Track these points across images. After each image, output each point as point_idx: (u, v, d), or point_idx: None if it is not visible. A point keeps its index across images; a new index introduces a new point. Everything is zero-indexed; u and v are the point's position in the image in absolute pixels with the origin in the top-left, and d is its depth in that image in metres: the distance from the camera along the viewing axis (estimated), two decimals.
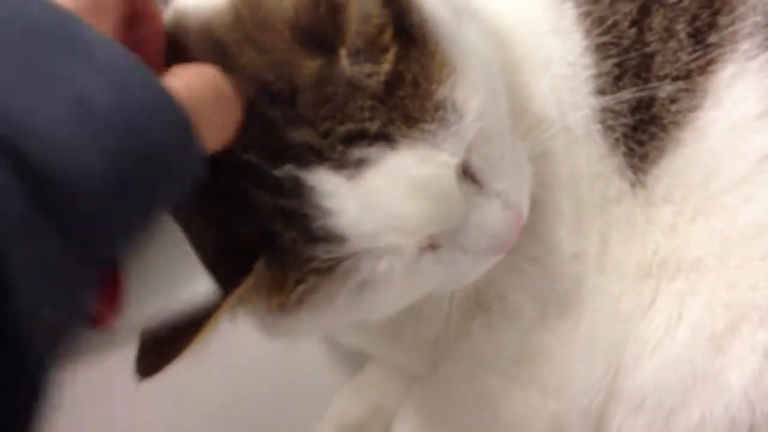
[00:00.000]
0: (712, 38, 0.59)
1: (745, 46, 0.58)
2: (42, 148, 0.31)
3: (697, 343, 0.60)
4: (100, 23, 0.38)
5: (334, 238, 0.47)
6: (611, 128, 0.60)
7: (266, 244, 0.48)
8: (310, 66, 0.46)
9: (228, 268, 0.45)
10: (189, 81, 0.38)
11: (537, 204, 0.57)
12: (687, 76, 0.59)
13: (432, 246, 0.50)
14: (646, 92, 0.59)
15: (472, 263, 0.54)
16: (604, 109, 0.60)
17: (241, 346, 0.66)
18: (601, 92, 0.60)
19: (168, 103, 0.36)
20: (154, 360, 0.44)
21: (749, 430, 0.59)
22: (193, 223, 0.46)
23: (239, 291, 0.46)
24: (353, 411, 0.77)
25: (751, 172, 0.58)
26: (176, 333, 0.44)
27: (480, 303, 0.65)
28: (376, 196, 0.47)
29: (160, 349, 0.44)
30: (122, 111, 0.34)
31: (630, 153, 0.60)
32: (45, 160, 0.31)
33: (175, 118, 0.37)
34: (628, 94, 0.59)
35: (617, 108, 0.60)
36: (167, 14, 0.53)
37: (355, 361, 0.80)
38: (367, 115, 0.47)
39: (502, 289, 0.64)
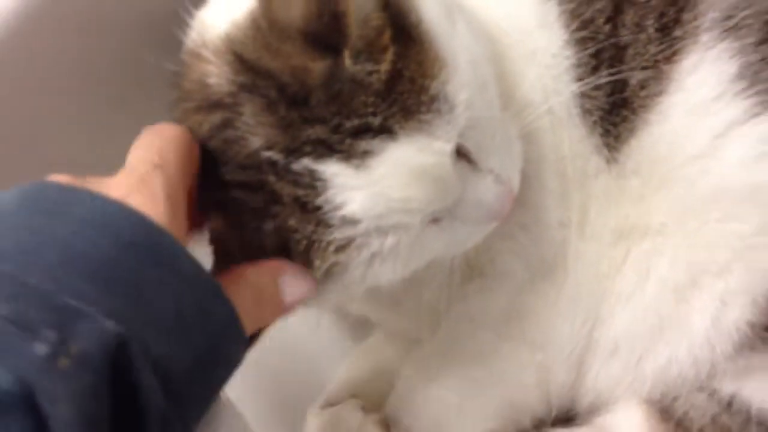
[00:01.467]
0: (677, 32, 0.63)
1: (704, 38, 0.62)
2: (160, 356, 0.40)
3: (663, 295, 0.64)
4: (178, 223, 0.47)
5: (347, 222, 0.51)
6: (589, 112, 0.64)
7: (289, 244, 0.52)
8: (319, 67, 0.50)
9: None
10: (242, 293, 0.48)
11: (526, 178, 0.61)
12: (654, 65, 0.63)
13: (434, 219, 0.54)
14: (619, 79, 0.63)
15: (471, 231, 0.58)
16: (583, 95, 0.64)
17: None
18: (580, 80, 0.64)
19: (231, 313, 0.46)
20: None
21: (710, 367, 0.63)
22: (231, 226, 0.53)
23: None
24: (361, 371, 0.81)
25: (707, 148, 0.62)
26: None
27: (475, 268, 0.69)
28: (382, 183, 0.51)
29: None
30: (203, 321, 0.45)
31: (605, 133, 0.65)
32: (164, 364, 0.41)
33: (234, 322, 0.46)
34: (602, 78, 0.63)
35: (594, 94, 0.64)
36: (192, 28, 0.59)
37: (362, 329, 0.84)
38: (370, 110, 0.50)
39: (494, 255, 0.68)
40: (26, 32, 0.63)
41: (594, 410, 0.70)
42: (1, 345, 0.35)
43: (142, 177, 0.47)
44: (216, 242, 0.53)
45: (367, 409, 0.76)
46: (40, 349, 0.36)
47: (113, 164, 0.54)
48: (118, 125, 0.69)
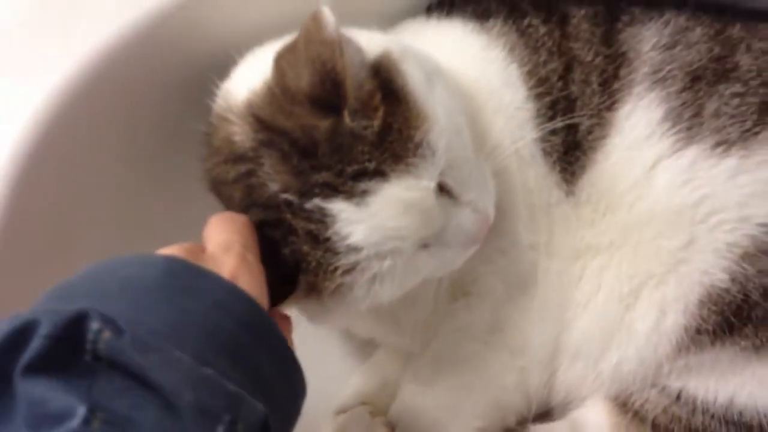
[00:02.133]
0: (615, 86, 0.70)
1: (637, 89, 0.69)
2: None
3: (612, 304, 0.70)
4: (264, 292, 0.55)
5: (352, 250, 0.57)
6: (549, 153, 0.71)
7: (302, 265, 0.59)
8: (324, 125, 0.57)
9: (280, 287, 0.58)
10: None
11: (500, 209, 0.67)
12: (598, 113, 0.70)
13: (424, 245, 0.60)
14: (571, 126, 0.70)
15: (455, 254, 0.64)
16: (543, 139, 0.70)
17: None
18: (540, 128, 0.70)
19: (303, 380, 0.54)
20: None
21: (655, 366, 0.69)
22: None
23: (290, 300, 0.59)
24: (369, 383, 0.86)
25: (641, 178, 0.68)
26: None
27: (460, 288, 0.75)
28: (378, 216, 0.57)
29: None
30: (288, 386, 0.52)
31: (563, 170, 0.71)
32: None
33: (304, 388, 0.55)
34: (558, 124, 0.69)
35: (551, 138, 0.70)
36: (219, 96, 0.67)
37: (367, 349, 0.90)
38: (366, 157, 0.57)
39: (477, 276, 0.73)
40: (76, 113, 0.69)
41: (567, 405, 0.76)
42: (197, 428, 0.41)
43: (241, 257, 0.54)
44: None
45: (374, 414, 0.82)
46: (221, 430, 0.41)
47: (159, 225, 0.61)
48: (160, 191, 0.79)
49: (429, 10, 0.81)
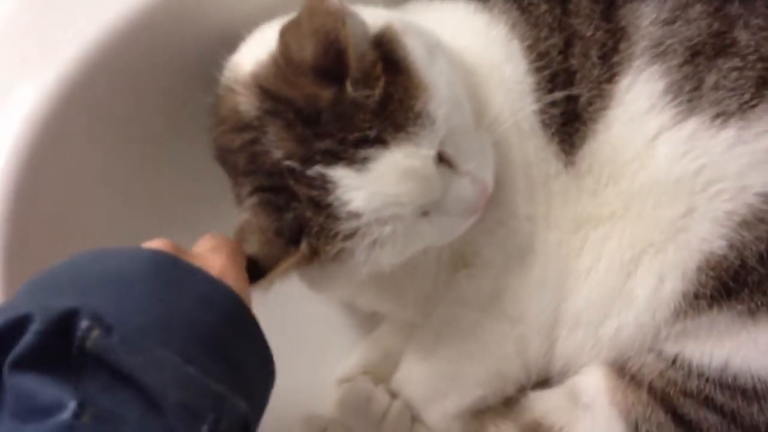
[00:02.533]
0: (615, 59, 0.71)
1: (637, 63, 0.70)
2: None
3: (613, 272, 0.71)
4: (248, 292, 0.56)
5: (352, 215, 0.59)
6: (548, 125, 0.72)
7: (305, 230, 0.60)
8: (327, 94, 0.59)
9: (282, 248, 0.60)
10: None
11: (500, 181, 0.69)
12: (598, 86, 0.71)
13: (424, 213, 0.62)
14: (571, 98, 0.71)
15: (455, 223, 0.65)
16: (542, 111, 0.72)
17: (287, 313, 0.80)
18: (539, 101, 0.71)
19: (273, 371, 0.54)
20: None
21: (654, 331, 0.71)
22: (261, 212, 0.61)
23: (290, 261, 0.60)
24: (372, 355, 0.88)
25: (643, 149, 0.69)
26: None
27: (462, 259, 0.76)
28: (379, 182, 0.59)
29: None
30: (268, 378, 0.54)
31: (562, 142, 0.72)
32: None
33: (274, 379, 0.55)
34: (557, 95, 0.70)
35: (551, 110, 0.71)
36: (226, 68, 0.68)
37: (370, 323, 0.91)
38: (367, 125, 0.59)
39: (477, 247, 0.75)
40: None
41: (565, 374, 0.77)
42: (182, 427, 0.43)
43: (230, 257, 0.56)
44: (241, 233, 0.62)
45: (377, 383, 0.84)
46: (204, 429, 0.43)
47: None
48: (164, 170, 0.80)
49: None
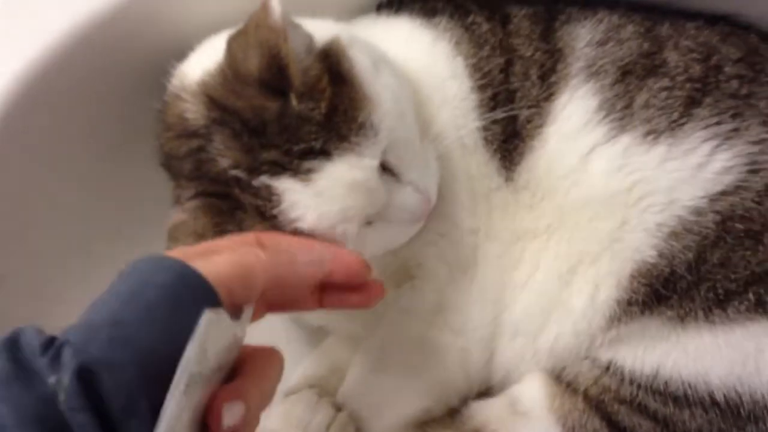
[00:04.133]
0: (553, 78, 0.73)
1: (573, 82, 0.72)
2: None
3: (550, 282, 0.73)
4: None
5: (299, 234, 0.59)
6: (490, 142, 0.74)
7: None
8: (273, 106, 0.59)
9: None
10: None
11: (443, 195, 0.70)
12: (537, 104, 0.73)
13: (368, 222, 0.62)
14: (511, 116, 0.72)
15: (399, 231, 0.67)
16: (485, 128, 0.73)
17: None
18: (482, 118, 0.73)
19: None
20: None
21: (589, 338, 0.72)
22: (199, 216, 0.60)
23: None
24: (318, 369, 0.87)
25: (577, 164, 0.71)
26: None
27: (405, 272, 0.77)
28: (324, 195, 0.59)
29: None
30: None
31: (503, 158, 0.74)
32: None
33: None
34: (499, 115, 0.72)
35: (493, 127, 0.73)
36: (174, 76, 0.68)
37: (316, 337, 0.91)
38: (313, 137, 0.59)
39: (421, 259, 0.75)
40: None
41: (506, 383, 0.78)
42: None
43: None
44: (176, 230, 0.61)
45: (322, 396, 0.83)
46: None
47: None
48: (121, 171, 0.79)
49: (379, 9, 0.84)
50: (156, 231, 0.63)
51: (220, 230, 0.60)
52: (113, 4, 0.72)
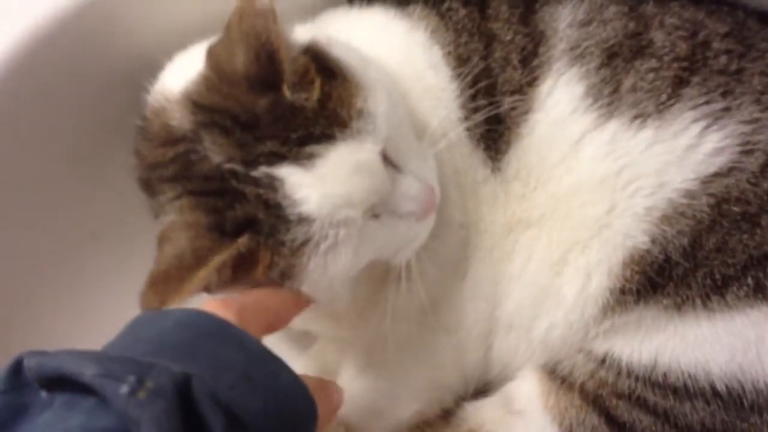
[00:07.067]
0: (535, 63, 0.71)
1: (557, 66, 0.71)
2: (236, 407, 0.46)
3: (542, 272, 0.72)
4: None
5: (303, 219, 0.58)
6: (473, 132, 0.72)
7: (250, 227, 0.58)
8: (263, 101, 0.58)
9: (215, 241, 0.57)
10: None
11: None
12: (520, 89, 0.71)
13: (375, 215, 0.61)
14: (494, 103, 0.70)
15: (408, 226, 0.64)
16: (467, 118, 0.72)
17: None
18: (463, 107, 0.72)
19: (303, 390, 0.53)
20: (158, 297, 0.55)
21: (583, 330, 0.71)
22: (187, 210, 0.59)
23: (226, 254, 0.56)
24: (306, 374, 0.87)
25: (568, 151, 0.70)
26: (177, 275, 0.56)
27: (393, 272, 0.72)
28: (328, 179, 0.58)
29: (163, 288, 0.55)
30: (274, 389, 0.51)
31: (488, 148, 0.73)
32: (240, 414, 0.46)
33: (298, 384, 0.53)
34: (480, 116, 0.70)
35: (475, 116, 0.71)
36: (154, 90, 0.67)
37: (303, 342, 0.91)
38: (311, 122, 0.58)
39: (411, 260, 0.70)
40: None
41: (501, 380, 0.77)
42: (100, 392, 0.43)
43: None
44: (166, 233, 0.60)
45: None
46: (124, 389, 0.43)
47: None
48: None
49: (351, 0, 0.82)
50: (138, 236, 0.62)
51: (211, 221, 0.59)
52: (77, 3, 0.71)
